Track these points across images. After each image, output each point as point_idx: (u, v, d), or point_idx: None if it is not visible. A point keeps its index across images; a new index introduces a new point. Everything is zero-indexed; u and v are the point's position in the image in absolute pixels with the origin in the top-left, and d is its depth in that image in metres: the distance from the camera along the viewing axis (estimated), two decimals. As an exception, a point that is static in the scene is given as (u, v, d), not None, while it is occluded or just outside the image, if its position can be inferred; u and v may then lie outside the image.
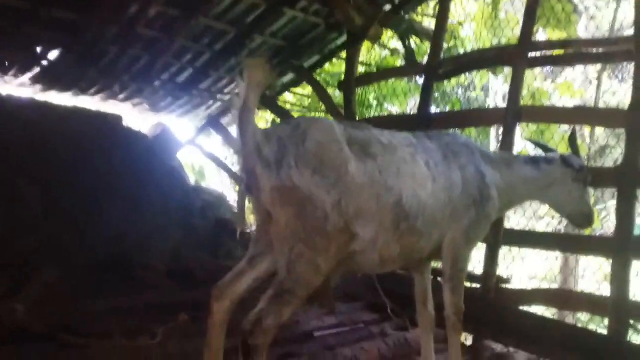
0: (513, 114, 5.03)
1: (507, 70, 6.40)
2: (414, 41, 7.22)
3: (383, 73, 6.83)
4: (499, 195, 3.73)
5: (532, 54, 5.05)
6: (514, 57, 5.11)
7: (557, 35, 7.02)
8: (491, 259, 5.00)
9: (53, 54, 6.56)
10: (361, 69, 7.24)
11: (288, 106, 8.69)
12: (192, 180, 9.13)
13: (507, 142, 5.04)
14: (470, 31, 7.38)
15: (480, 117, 5.51)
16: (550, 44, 5.29)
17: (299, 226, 2.78)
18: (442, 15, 5.96)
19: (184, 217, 7.06)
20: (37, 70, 6.74)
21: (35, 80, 6.92)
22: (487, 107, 7.88)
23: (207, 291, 3.15)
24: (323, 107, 7.65)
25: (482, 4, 7.11)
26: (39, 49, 6.46)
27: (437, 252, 3.54)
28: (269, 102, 8.01)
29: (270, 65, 2.82)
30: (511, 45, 5.38)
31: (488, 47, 5.75)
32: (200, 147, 8.52)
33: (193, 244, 6.96)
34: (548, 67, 5.88)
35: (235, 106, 2.84)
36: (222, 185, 9.77)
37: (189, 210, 7.22)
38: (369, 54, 7.52)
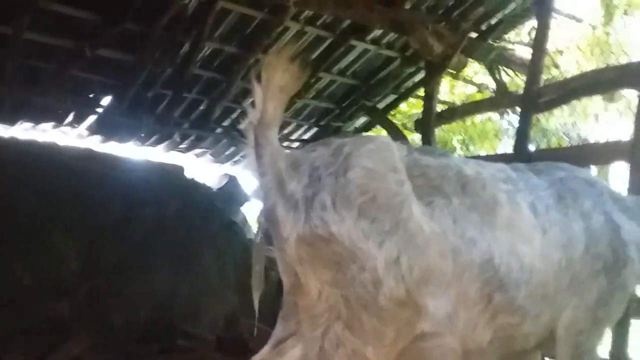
0: (643, 147, 3.90)
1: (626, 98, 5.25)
2: (505, 73, 6.23)
3: (469, 106, 5.85)
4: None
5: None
6: None
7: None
8: (620, 338, 3.75)
9: (106, 100, 6.15)
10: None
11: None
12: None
13: (635, 183, 3.89)
14: (573, 61, 6.26)
15: (597, 153, 4.36)
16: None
17: (337, 298, 1.87)
18: (540, 37, 5.01)
19: (241, 278, 6.25)
20: (92, 119, 6.34)
21: (92, 130, 6.53)
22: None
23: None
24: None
25: (589, 28, 6.01)
26: (91, 95, 6.06)
27: (548, 341, 2.44)
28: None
29: (298, 61, 1.98)
30: (636, 63, 4.26)
31: (604, 67, 4.64)
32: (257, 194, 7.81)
33: (252, 308, 6.10)
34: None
35: (249, 121, 2.02)
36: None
37: (248, 270, 6.38)
38: (452, 91, 6.57)
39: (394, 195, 1.93)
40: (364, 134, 7.52)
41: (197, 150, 7.43)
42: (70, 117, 6.24)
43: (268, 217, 2.00)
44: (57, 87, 5.66)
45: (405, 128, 7.27)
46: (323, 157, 1.97)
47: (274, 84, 1.92)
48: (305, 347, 1.99)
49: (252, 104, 2.01)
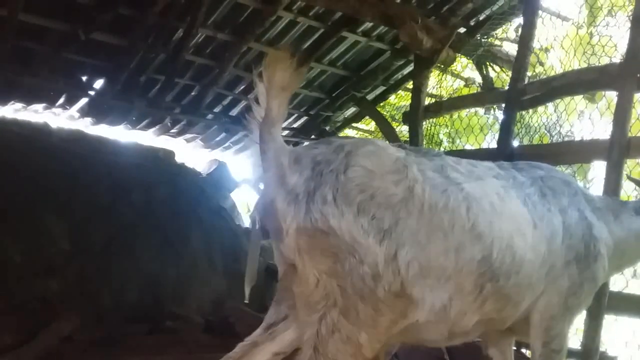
0: (619, 146, 4.06)
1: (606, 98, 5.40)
2: (492, 69, 6.35)
3: (455, 101, 5.97)
4: (608, 255, 2.78)
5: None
6: (619, 78, 4.19)
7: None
8: (593, 330, 3.94)
9: (98, 83, 6.20)
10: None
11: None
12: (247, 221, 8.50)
13: (611, 181, 4.06)
14: (557, 59, 6.39)
15: (577, 151, 4.51)
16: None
17: (334, 287, 1.98)
18: (526, 35, 5.14)
19: (229, 263, 6.37)
20: (84, 101, 6.39)
21: (83, 112, 6.58)
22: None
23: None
24: (387, 144, 6.85)
25: (574, 26, 6.14)
26: (84, 78, 6.10)
27: (522, 323, 2.60)
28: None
29: (297, 59, 2.08)
30: (615, 64, 4.41)
31: (585, 67, 4.77)
32: (257, 186, 7.89)
33: (239, 293, 6.22)
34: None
35: (254, 118, 2.13)
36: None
37: (236, 255, 6.52)
38: (439, 85, 6.68)
39: (392, 195, 2.03)
40: (353, 124, 7.66)
41: (188, 136, 7.50)
42: (62, 99, 6.29)
43: (266, 210, 2.09)
44: (50, 69, 5.71)
45: (394, 120, 7.38)
46: (325, 154, 2.06)
47: (276, 83, 2.01)
48: (301, 331, 2.09)
49: (256, 100, 2.10)
